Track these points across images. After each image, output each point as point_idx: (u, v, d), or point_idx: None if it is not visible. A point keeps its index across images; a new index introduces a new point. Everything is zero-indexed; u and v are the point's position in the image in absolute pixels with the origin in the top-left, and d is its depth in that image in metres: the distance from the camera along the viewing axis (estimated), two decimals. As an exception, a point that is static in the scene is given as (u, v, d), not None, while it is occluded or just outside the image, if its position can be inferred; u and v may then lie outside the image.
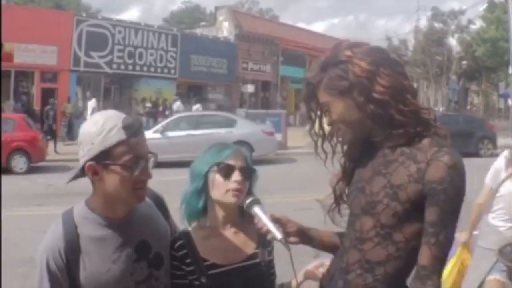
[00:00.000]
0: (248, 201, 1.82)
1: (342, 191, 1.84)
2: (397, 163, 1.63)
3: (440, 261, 1.55)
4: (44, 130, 19.62)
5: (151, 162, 1.78)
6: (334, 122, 1.73)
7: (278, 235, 1.74)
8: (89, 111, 23.02)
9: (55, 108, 21.22)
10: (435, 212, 1.53)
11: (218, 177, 1.86)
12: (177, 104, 26.28)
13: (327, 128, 1.82)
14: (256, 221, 1.80)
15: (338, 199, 1.86)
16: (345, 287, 1.69)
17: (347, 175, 1.83)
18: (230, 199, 1.86)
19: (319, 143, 1.84)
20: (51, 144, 18.10)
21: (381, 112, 1.62)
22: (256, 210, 1.80)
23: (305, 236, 1.87)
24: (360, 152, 1.77)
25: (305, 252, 2.04)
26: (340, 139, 1.80)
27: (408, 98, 1.63)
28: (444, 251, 1.55)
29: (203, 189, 1.88)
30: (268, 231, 1.76)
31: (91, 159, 1.70)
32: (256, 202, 1.83)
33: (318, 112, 1.81)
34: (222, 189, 1.85)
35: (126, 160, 1.70)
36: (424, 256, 1.55)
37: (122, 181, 1.71)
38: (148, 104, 26.99)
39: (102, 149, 1.69)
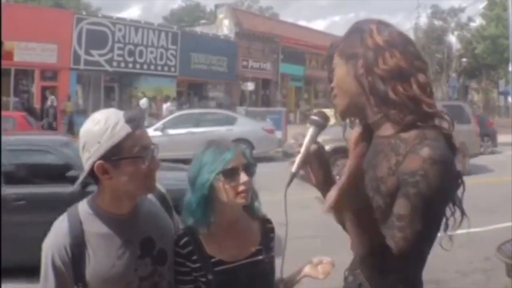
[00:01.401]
0: (314, 117, 1.66)
1: None
2: (382, 154, 1.58)
3: (408, 259, 1.44)
4: (44, 127, 19.63)
5: (156, 152, 1.80)
6: (335, 85, 1.70)
7: (293, 168, 1.60)
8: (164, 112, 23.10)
9: (55, 106, 21.15)
10: (403, 205, 1.44)
11: (225, 184, 1.83)
12: (142, 101, 25.89)
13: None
14: (299, 142, 1.64)
15: None
16: (354, 281, 1.70)
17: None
18: (240, 201, 1.86)
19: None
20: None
21: (377, 86, 1.56)
22: (309, 131, 1.64)
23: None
24: (366, 142, 1.68)
25: (304, 253, 2.05)
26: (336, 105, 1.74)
27: (412, 86, 1.55)
28: (412, 249, 1.43)
29: (209, 198, 1.85)
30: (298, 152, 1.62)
31: (99, 159, 1.71)
32: (317, 124, 1.64)
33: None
34: (230, 194, 1.83)
35: (135, 152, 1.72)
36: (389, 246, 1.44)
37: (134, 173, 1.73)
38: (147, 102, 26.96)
39: (111, 145, 1.69)
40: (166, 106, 25.00)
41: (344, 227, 1.59)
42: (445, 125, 1.59)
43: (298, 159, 1.60)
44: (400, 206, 1.45)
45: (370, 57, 1.58)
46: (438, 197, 1.45)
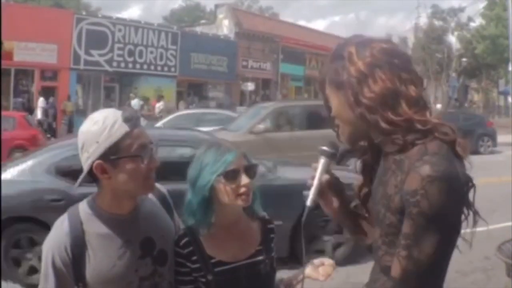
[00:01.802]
0: (324, 148, 1.69)
1: (366, 199, 1.75)
2: (390, 171, 1.55)
3: (415, 277, 1.44)
4: (44, 128, 19.64)
5: (155, 150, 1.80)
6: (334, 117, 1.66)
7: (308, 201, 1.63)
8: (38, 110, 22.65)
9: (55, 106, 21.16)
10: (408, 224, 1.43)
11: (226, 185, 1.82)
12: (134, 102, 25.53)
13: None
14: (312, 168, 1.67)
15: (363, 204, 1.77)
16: None
17: (366, 180, 1.75)
18: (241, 202, 1.85)
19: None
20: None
21: (367, 117, 1.52)
22: (320, 162, 1.67)
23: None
24: (376, 158, 1.68)
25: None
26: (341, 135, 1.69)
27: (402, 106, 1.50)
28: (419, 267, 1.43)
29: (210, 200, 1.84)
30: (309, 189, 1.65)
31: (98, 158, 1.71)
32: (327, 155, 1.68)
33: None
34: (231, 195, 1.83)
35: (133, 150, 1.73)
36: (394, 269, 1.47)
37: (133, 172, 1.73)
38: (141, 102, 26.85)
39: (109, 145, 1.70)
40: (158, 105, 24.80)
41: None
42: (447, 132, 1.52)
43: (312, 192, 1.63)
44: (406, 225, 1.44)
45: (355, 86, 1.53)
46: (444, 214, 1.42)
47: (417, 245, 1.41)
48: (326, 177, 1.67)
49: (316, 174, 1.65)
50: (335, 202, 1.73)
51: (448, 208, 1.42)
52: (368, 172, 1.73)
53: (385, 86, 1.51)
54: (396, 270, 1.46)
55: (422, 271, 1.43)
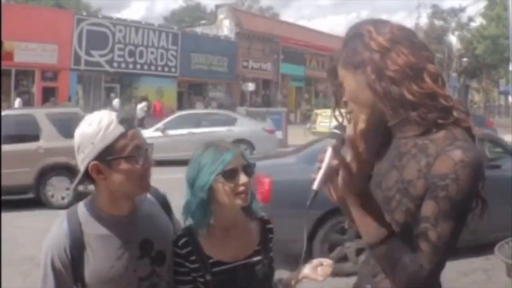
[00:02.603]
0: (336, 131, 1.57)
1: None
2: (409, 155, 1.52)
3: (429, 262, 1.40)
4: None
5: (150, 151, 1.81)
6: (347, 101, 1.62)
7: (315, 185, 1.48)
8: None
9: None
10: (431, 207, 1.40)
11: (225, 185, 1.82)
12: (115, 102, 25.13)
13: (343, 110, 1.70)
14: (320, 158, 1.53)
15: None
16: None
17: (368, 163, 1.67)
18: (240, 202, 1.86)
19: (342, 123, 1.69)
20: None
21: (392, 91, 1.49)
22: (327, 152, 1.52)
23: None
24: (379, 143, 1.65)
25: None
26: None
27: (426, 80, 1.48)
28: (436, 251, 1.40)
29: (208, 199, 1.84)
30: (315, 177, 1.51)
31: (94, 159, 1.72)
32: (338, 137, 1.54)
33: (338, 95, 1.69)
34: (230, 195, 1.83)
35: (128, 151, 1.74)
36: (416, 256, 1.42)
37: (128, 173, 1.74)
38: (143, 103, 26.77)
39: (104, 146, 1.71)
40: (140, 106, 24.45)
41: (351, 220, 1.57)
42: (462, 116, 1.51)
43: (319, 176, 1.50)
44: (427, 208, 1.41)
45: (378, 60, 1.50)
46: (467, 200, 1.42)
47: (435, 230, 1.39)
48: (336, 162, 1.52)
49: (326, 157, 1.51)
50: (341, 191, 1.59)
51: (472, 195, 1.43)
52: (371, 156, 1.66)
53: (409, 60, 1.49)
54: (420, 257, 1.41)
55: (437, 255, 1.41)
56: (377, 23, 1.57)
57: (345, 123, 1.68)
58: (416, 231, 1.43)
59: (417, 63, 1.50)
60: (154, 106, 26.51)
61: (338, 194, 1.51)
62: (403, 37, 1.53)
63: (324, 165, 1.50)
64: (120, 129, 1.73)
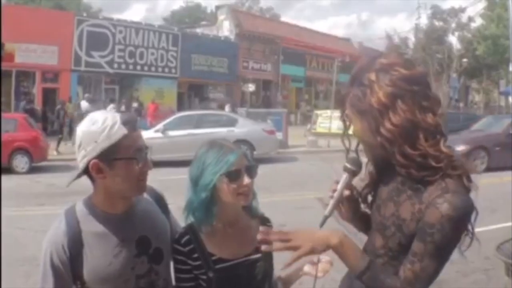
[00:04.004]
0: (347, 165, 1.79)
1: (367, 194, 1.91)
2: (405, 195, 1.66)
3: (411, 286, 1.59)
4: (54, 129, 19.78)
5: (149, 154, 1.83)
6: (355, 136, 1.77)
7: (327, 211, 1.78)
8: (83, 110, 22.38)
9: (65, 108, 21.15)
10: (418, 246, 1.59)
11: (228, 185, 1.84)
12: (85, 105, 23.38)
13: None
14: (335, 182, 1.82)
15: (363, 200, 1.93)
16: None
17: (372, 183, 1.87)
18: (241, 202, 1.88)
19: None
20: (53, 144, 18.16)
21: (386, 147, 1.62)
22: (342, 178, 1.80)
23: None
24: (385, 167, 1.76)
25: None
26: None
27: (419, 140, 1.59)
28: (418, 280, 1.59)
29: (211, 198, 1.86)
30: (329, 200, 1.79)
31: (95, 157, 1.74)
32: (350, 172, 1.79)
33: (347, 122, 1.81)
34: (233, 194, 1.85)
35: (130, 153, 1.76)
36: (400, 274, 1.62)
37: (128, 174, 1.77)
38: (135, 104, 26.71)
39: (108, 145, 1.73)
40: (109, 108, 24.10)
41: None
42: (456, 166, 1.62)
43: (331, 203, 1.79)
44: (416, 246, 1.60)
45: (376, 117, 1.61)
46: (449, 246, 1.60)
47: (421, 264, 1.59)
48: (347, 193, 1.81)
49: (338, 187, 1.78)
50: (350, 213, 1.90)
51: (455, 242, 1.62)
52: (377, 176, 1.85)
53: (405, 118, 1.58)
54: (400, 275, 1.62)
55: (419, 284, 1.61)
56: (380, 72, 1.62)
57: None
58: (405, 260, 1.62)
59: (414, 120, 1.59)
60: (148, 108, 26.25)
61: (344, 218, 1.90)
62: (405, 88, 1.60)
63: (336, 195, 1.78)
64: (124, 130, 1.75)
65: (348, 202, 1.86)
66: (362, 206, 1.93)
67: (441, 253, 1.59)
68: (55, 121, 21.19)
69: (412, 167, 1.60)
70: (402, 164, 1.62)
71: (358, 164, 1.79)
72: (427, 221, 1.56)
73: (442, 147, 1.61)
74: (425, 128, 1.59)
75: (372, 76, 1.62)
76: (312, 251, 1.61)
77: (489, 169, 13.95)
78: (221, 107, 27.52)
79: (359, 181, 1.90)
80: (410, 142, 1.59)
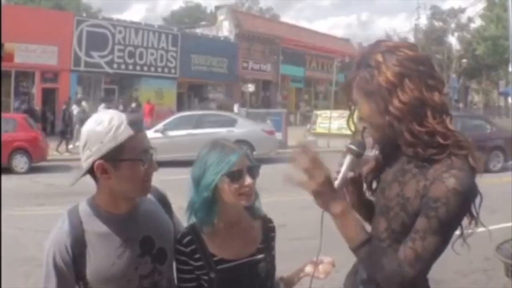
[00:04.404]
0: (351, 146, 1.76)
1: (372, 180, 1.90)
2: (410, 174, 1.66)
3: (411, 266, 1.57)
4: (61, 129, 19.78)
5: (154, 155, 1.83)
6: (361, 120, 1.77)
7: (336, 183, 1.73)
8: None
9: (70, 109, 21.09)
10: (421, 222, 1.57)
11: (230, 185, 1.84)
12: (101, 106, 22.85)
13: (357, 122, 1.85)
14: (338, 164, 1.79)
15: (368, 187, 1.93)
16: (368, 280, 1.77)
17: (378, 167, 1.87)
18: (243, 202, 1.87)
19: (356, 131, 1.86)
20: (56, 144, 18.16)
21: (394, 125, 1.63)
22: (346, 159, 1.77)
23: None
24: (391, 151, 1.78)
25: (303, 253, 2.06)
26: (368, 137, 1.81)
27: (427, 117, 1.61)
28: (418, 259, 1.57)
29: (213, 199, 1.86)
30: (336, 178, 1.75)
31: (100, 158, 1.73)
32: (354, 153, 1.76)
33: (353, 107, 1.82)
34: (235, 195, 1.85)
35: (136, 154, 1.75)
36: (400, 252, 1.60)
37: (132, 175, 1.76)
38: (133, 105, 26.63)
39: (113, 146, 1.72)
40: (100, 107, 23.71)
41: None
42: (463, 145, 1.63)
43: (335, 184, 1.73)
44: (419, 223, 1.58)
45: (385, 95, 1.63)
46: (453, 222, 1.59)
47: (422, 242, 1.56)
48: (351, 174, 1.81)
49: (342, 169, 1.75)
50: (354, 196, 1.89)
51: (459, 219, 1.61)
52: (383, 160, 1.85)
53: (413, 96, 1.61)
54: (400, 255, 1.59)
55: (419, 264, 1.58)
56: (386, 53, 1.66)
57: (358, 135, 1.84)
58: (405, 239, 1.61)
59: (421, 98, 1.61)
60: (144, 108, 26.15)
61: (351, 201, 1.83)
62: (410, 67, 1.63)
63: (340, 176, 1.75)
64: (130, 131, 1.74)
65: (352, 185, 1.87)
66: (367, 193, 1.93)
67: (444, 230, 1.57)
68: (60, 121, 21.08)
69: (419, 145, 1.61)
70: (410, 143, 1.62)
71: (362, 146, 1.78)
72: (432, 196, 1.56)
73: (448, 125, 1.63)
74: (432, 106, 1.61)
75: (379, 57, 1.65)
76: (312, 195, 1.63)
77: None
78: (221, 107, 27.52)
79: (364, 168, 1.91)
80: (418, 120, 1.61)
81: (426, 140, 1.61)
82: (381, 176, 1.83)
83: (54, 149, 18.18)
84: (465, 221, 1.68)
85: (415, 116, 1.61)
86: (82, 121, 18.41)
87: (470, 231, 1.68)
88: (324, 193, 1.61)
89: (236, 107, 26.06)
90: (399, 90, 1.61)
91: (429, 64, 1.68)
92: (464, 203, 1.57)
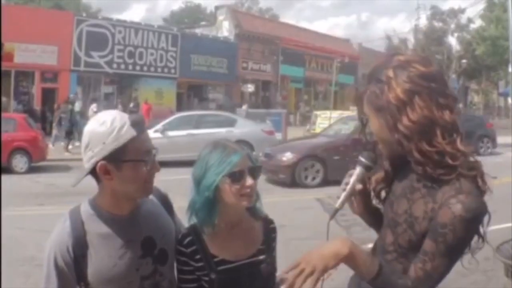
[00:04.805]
0: (362, 159, 1.81)
1: (380, 190, 1.91)
2: (419, 193, 1.66)
3: (423, 284, 1.61)
4: (66, 130, 19.79)
5: (156, 155, 1.82)
6: (375, 134, 1.77)
7: (338, 203, 1.80)
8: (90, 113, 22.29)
9: (73, 108, 21.07)
10: (430, 245, 1.59)
11: (231, 186, 1.83)
12: (76, 105, 22.84)
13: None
14: (348, 175, 1.82)
15: (376, 196, 1.93)
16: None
17: (387, 178, 1.87)
18: (244, 203, 1.87)
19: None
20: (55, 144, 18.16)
21: (403, 144, 1.62)
22: (356, 171, 1.81)
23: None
24: (401, 164, 1.77)
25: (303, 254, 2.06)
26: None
27: (437, 137, 1.59)
28: (429, 278, 1.60)
29: (214, 199, 1.85)
30: (340, 195, 1.81)
31: (103, 159, 1.72)
32: (364, 166, 1.80)
33: (364, 120, 1.82)
34: (236, 195, 1.84)
35: (139, 155, 1.74)
36: (410, 272, 1.63)
37: (135, 176, 1.75)
38: (131, 104, 26.59)
39: (116, 147, 1.71)
40: (91, 107, 23.18)
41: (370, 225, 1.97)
42: (473, 166, 1.63)
43: (343, 196, 1.80)
44: (427, 245, 1.60)
45: (394, 113, 1.62)
46: (461, 246, 1.61)
47: (432, 264, 1.59)
48: (359, 186, 1.82)
49: (351, 180, 1.80)
50: (361, 207, 1.90)
51: (467, 243, 1.63)
52: (392, 172, 1.85)
53: (423, 115, 1.59)
54: (411, 275, 1.62)
55: (430, 282, 1.62)
56: (398, 68, 1.64)
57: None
58: (415, 259, 1.63)
59: (431, 117, 1.59)
60: (142, 108, 26.05)
61: (356, 212, 1.89)
62: (422, 84, 1.61)
63: (348, 187, 1.79)
64: (133, 132, 1.73)
65: (360, 196, 1.87)
66: (375, 201, 1.93)
67: (452, 253, 1.59)
68: (63, 121, 21.06)
69: (428, 164, 1.60)
70: (419, 161, 1.61)
71: (373, 160, 1.79)
72: (440, 221, 1.56)
73: (459, 145, 1.61)
74: (442, 125, 1.59)
75: (390, 73, 1.63)
76: (326, 269, 1.60)
77: (326, 182, 11.75)
78: (220, 108, 27.51)
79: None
80: (427, 139, 1.59)
81: (435, 159, 1.59)
82: (391, 187, 1.83)
83: (63, 150, 18.27)
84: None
85: (424, 135, 1.59)
86: (71, 122, 18.36)
87: (478, 248, 1.69)
88: (328, 255, 1.60)
89: (244, 107, 26.18)
90: (408, 108, 1.59)
91: (441, 80, 1.66)
92: (471, 228, 1.58)
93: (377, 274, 1.60)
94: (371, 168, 1.81)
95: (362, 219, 1.96)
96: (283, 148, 13.82)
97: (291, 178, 12.33)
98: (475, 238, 1.66)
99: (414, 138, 1.59)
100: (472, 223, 1.56)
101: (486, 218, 1.63)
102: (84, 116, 21.93)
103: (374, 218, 1.93)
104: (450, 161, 1.58)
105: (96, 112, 21.58)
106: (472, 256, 1.71)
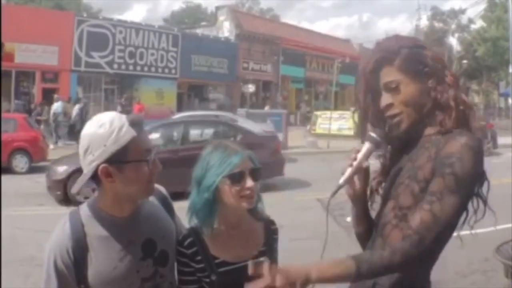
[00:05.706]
0: (373, 134, 1.77)
1: (378, 186, 1.90)
2: (423, 149, 1.69)
3: (429, 230, 1.53)
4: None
5: (156, 155, 1.80)
6: (399, 103, 1.73)
7: (341, 180, 1.75)
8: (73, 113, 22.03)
9: (49, 110, 21.03)
10: (437, 182, 1.57)
11: (231, 187, 1.82)
12: (57, 105, 22.11)
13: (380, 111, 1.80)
14: (355, 152, 1.79)
15: (372, 193, 1.91)
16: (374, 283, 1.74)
17: (385, 172, 1.88)
18: (244, 204, 1.86)
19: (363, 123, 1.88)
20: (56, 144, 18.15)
21: (444, 95, 1.70)
22: (364, 147, 1.78)
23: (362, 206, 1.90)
24: (398, 152, 1.82)
25: (304, 254, 2.06)
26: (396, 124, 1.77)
27: (464, 92, 1.76)
28: (436, 222, 1.53)
29: (214, 200, 1.84)
30: (345, 171, 1.77)
31: (104, 162, 1.69)
32: (374, 142, 1.77)
33: (369, 97, 1.81)
34: (236, 196, 1.83)
35: (140, 155, 1.73)
36: (413, 218, 1.58)
37: (137, 177, 1.73)
38: (122, 99, 26.42)
39: (116, 149, 1.68)
40: (75, 108, 22.65)
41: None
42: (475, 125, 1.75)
43: (348, 172, 1.75)
44: (434, 184, 1.58)
45: (439, 70, 1.72)
46: (469, 179, 1.58)
47: (440, 203, 1.55)
48: (366, 163, 1.78)
49: (358, 156, 1.75)
50: (360, 187, 1.83)
51: (474, 175, 1.60)
52: (390, 164, 1.86)
53: (457, 80, 1.75)
54: (415, 221, 1.56)
55: (437, 227, 1.54)
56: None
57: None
58: (421, 203, 1.58)
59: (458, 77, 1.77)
60: (134, 108, 25.71)
61: (356, 191, 1.80)
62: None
63: (355, 163, 1.73)
64: (132, 132, 1.71)
65: (363, 176, 1.82)
66: (369, 203, 1.91)
67: (460, 188, 1.56)
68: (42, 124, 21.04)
69: (453, 111, 1.69)
70: (451, 107, 1.69)
71: (382, 136, 1.78)
72: (446, 153, 1.59)
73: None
74: (463, 87, 1.77)
75: (421, 43, 1.81)
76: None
77: None
78: (221, 108, 27.48)
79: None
80: (463, 91, 1.75)
81: (459, 111, 1.70)
82: (388, 177, 1.83)
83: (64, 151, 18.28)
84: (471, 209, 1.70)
85: (461, 88, 1.74)
86: (56, 122, 18.21)
87: (476, 219, 1.70)
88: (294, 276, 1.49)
89: (267, 108, 26.54)
90: (447, 70, 1.74)
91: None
92: (477, 158, 1.59)
93: (357, 270, 1.51)
94: (380, 145, 1.79)
95: (355, 206, 1.88)
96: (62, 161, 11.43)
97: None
98: (475, 201, 1.69)
99: (453, 89, 1.71)
100: (477, 153, 1.58)
101: (485, 186, 1.69)
102: (67, 116, 21.82)
103: (363, 206, 1.88)
104: (467, 111, 1.73)
105: (79, 114, 21.64)
106: (470, 227, 1.72)
